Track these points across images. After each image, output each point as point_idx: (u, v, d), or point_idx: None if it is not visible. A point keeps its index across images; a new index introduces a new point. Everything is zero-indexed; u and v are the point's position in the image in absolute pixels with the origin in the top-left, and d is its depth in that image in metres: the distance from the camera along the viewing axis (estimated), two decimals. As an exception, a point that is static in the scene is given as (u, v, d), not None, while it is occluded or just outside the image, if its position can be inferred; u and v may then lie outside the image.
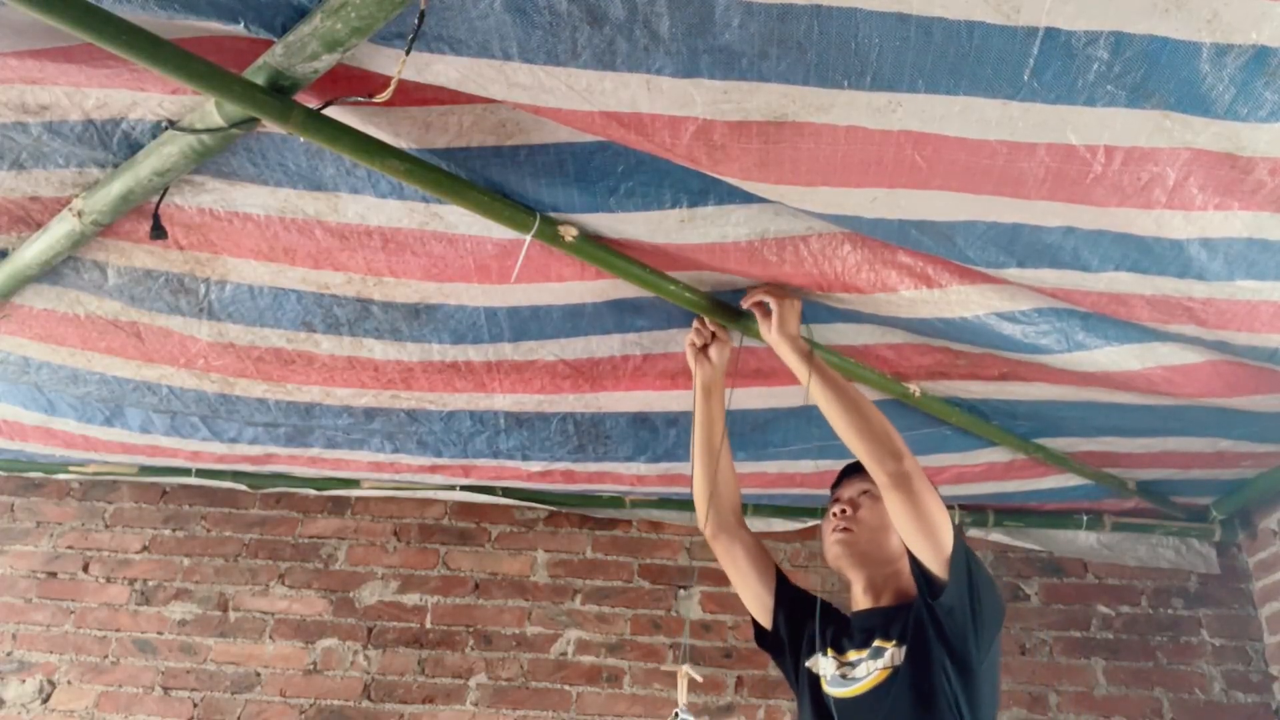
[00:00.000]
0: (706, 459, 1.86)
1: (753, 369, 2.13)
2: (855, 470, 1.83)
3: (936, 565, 1.53)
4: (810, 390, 1.70)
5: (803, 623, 1.78)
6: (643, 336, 2.09)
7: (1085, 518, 2.92)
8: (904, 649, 1.57)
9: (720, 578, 1.88)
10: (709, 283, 1.93)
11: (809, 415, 2.37)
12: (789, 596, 1.82)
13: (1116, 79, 1.27)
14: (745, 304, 1.86)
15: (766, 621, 1.82)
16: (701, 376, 1.90)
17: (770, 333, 1.79)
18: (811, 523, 2.94)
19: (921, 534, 1.53)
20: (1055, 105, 1.32)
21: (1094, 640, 2.86)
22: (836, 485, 1.89)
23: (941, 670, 1.52)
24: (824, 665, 1.69)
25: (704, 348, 1.92)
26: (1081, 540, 2.95)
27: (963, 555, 1.54)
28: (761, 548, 1.89)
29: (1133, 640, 2.85)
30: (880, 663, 1.59)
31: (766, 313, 1.81)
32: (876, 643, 1.63)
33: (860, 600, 1.74)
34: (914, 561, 1.57)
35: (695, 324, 1.92)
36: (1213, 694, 2.77)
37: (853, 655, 1.66)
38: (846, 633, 1.71)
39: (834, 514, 1.79)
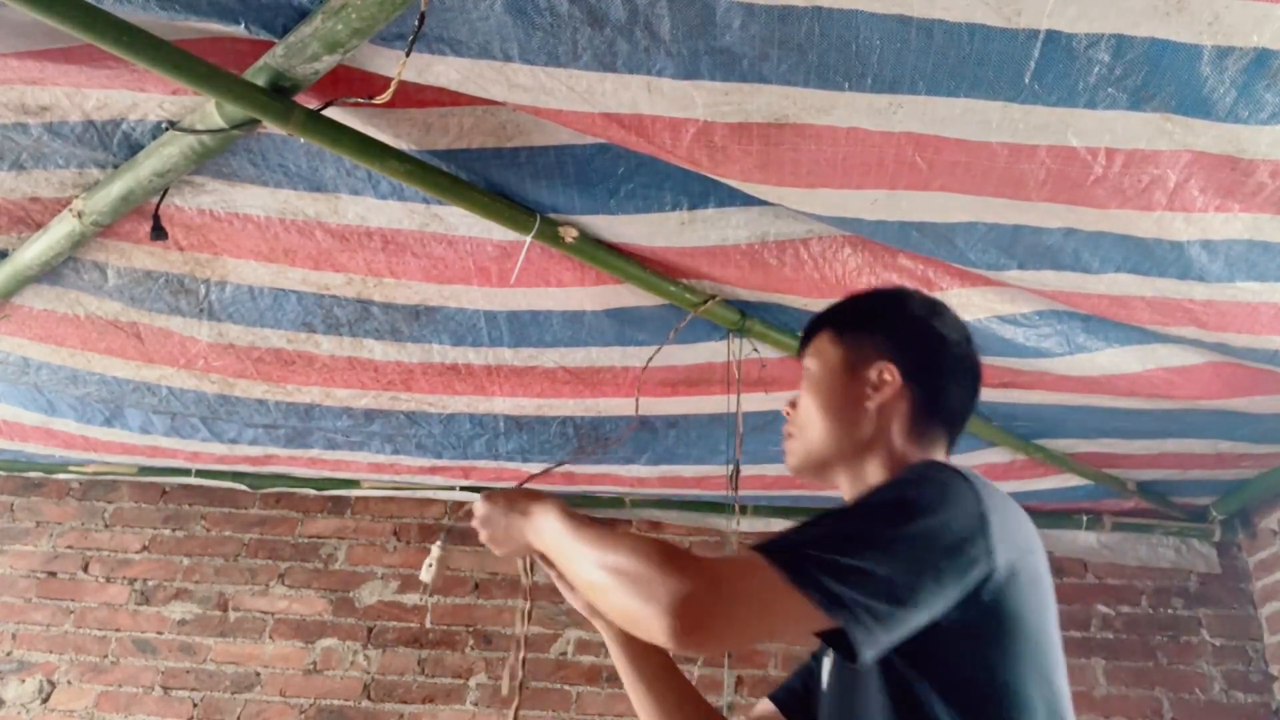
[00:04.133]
0: None
1: (754, 379, 2.14)
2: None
3: None
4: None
5: (808, 676, 1.40)
6: (644, 350, 2.10)
7: (1085, 518, 2.91)
8: None
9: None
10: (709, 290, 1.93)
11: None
12: (789, 703, 1.41)
13: (1118, 81, 1.26)
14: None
15: None
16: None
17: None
18: (811, 523, 2.93)
19: None
20: (1056, 107, 1.31)
21: (1094, 640, 2.86)
22: None
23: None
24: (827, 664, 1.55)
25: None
26: (1081, 540, 2.94)
27: None
28: None
29: (1133, 640, 2.85)
30: None
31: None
32: None
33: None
34: None
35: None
36: (1213, 694, 2.77)
37: None
38: None
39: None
